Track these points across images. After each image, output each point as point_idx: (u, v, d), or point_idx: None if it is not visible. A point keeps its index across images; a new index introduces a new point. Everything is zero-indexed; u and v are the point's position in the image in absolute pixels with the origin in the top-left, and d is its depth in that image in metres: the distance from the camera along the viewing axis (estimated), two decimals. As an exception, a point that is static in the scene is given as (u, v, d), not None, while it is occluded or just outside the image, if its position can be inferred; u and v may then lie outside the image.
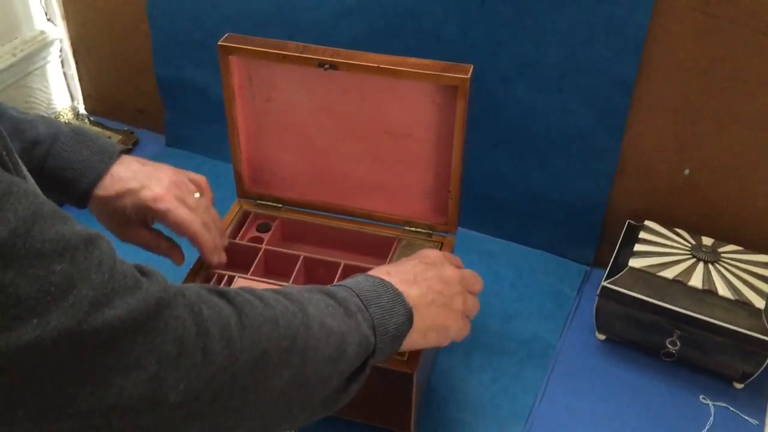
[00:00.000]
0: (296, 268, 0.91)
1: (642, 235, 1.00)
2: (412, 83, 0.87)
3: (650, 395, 0.95)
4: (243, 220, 1.01)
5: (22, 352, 0.40)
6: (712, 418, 0.92)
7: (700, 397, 0.95)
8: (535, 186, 1.12)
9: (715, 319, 0.91)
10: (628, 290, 0.94)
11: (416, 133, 0.92)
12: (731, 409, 0.93)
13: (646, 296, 0.93)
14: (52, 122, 0.80)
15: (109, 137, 1.37)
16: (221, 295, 0.54)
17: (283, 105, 0.95)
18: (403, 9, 1.05)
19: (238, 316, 0.53)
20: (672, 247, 0.98)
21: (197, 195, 0.84)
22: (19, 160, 0.49)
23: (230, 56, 0.90)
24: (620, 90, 0.99)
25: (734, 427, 0.91)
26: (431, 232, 0.98)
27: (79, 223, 0.46)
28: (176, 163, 1.31)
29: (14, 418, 0.42)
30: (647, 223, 1.02)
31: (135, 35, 1.31)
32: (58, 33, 1.37)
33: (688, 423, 0.92)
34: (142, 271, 0.48)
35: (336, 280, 0.89)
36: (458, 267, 0.79)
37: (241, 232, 0.98)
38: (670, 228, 1.02)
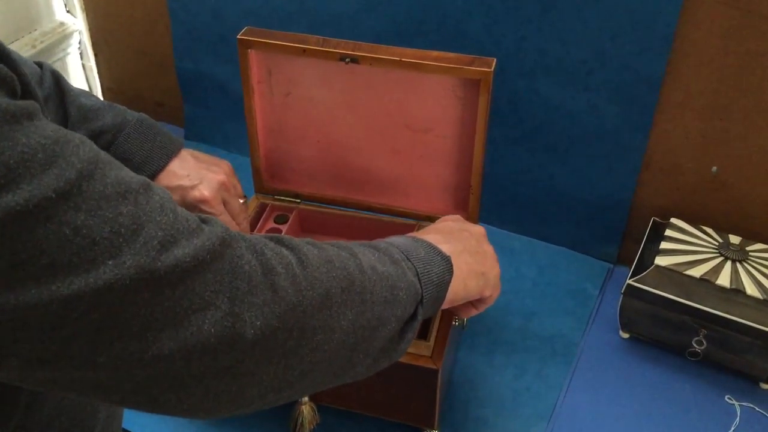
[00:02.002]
0: None
1: (668, 232, 0.99)
2: (435, 77, 0.86)
3: (675, 394, 0.94)
4: (261, 211, 1.00)
5: (102, 293, 0.40)
6: (737, 419, 0.91)
7: (726, 397, 0.93)
8: (559, 183, 1.11)
9: (743, 318, 0.89)
10: (654, 289, 0.93)
11: (438, 127, 0.91)
12: (757, 409, 0.92)
13: (672, 295, 0.92)
14: (119, 111, 0.81)
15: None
16: (278, 240, 0.55)
17: (303, 100, 0.94)
18: (427, 3, 1.03)
19: (297, 257, 0.53)
20: (699, 245, 0.97)
21: (242, 201, 0.86)
22: None
23: (249, 50, 0.90)
24: (647, 86, 0.97)
25: (761, 428, 0.90)
26: (453, 228, 0.97)
27: None
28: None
29: (97, 363, 0.42)
30: (673, 220, 1.01)
31: (155, 28, 1.30)
32: (77, 25, 1.37)
33: (713, 423, 0.90)
34: (202, 219, 0.49)
35: None
36: None
37: (259, 224, 0.98)
38: (696, 226, 1.00)
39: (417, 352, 0.81)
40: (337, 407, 0.89)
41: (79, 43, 1.40)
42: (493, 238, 1.14)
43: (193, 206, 0.80)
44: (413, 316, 0.62)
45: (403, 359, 0.80)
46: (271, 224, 0.99)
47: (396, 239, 0.67)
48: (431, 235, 0.71)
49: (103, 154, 0.44)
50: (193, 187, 0.81)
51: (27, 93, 0.44)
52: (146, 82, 1.40)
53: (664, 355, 0.98)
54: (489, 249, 0.76)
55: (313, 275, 0.52)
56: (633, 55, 0.95)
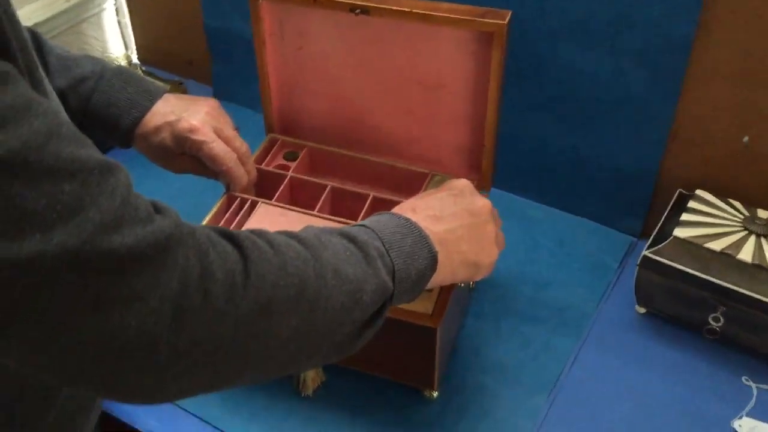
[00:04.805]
0: (322, 199, 0.89)
1: (691, 204, 0.94)
2: (447, 30, 0.83)
3: (688, 373, 0.90)
4: (270, 146, 0.99)
5: (24, 265, 0.39)
6: (753, 401, 0.86)
7: (743, 378, 0.89)
8: (582, 151, 1.06)
9: (765, 296, 0.84)
10: (671, 261, 0.89)
11: (450, 84, 0.88)
12: (776, 393, 0.87)
13: (690, 269, 0.88)
14: (98, 60, 0.82)
15: (158, 87, 1.37)
16: (231, 239, 0.52)
17: (315, 54, 0.92)
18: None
19: (244, 264, 0.51)
20: (723, 218, 0.92)
21: (235, 128, 0.86)
22: (45, 79, 0.50)
23: (260, 1, 0.88)
24: (677, 50, 0.92)
25: (777, 412, 0.85)
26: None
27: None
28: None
29: (11, 335, 0.42)
30: (698, 192, 0.96)
31: (186, -15, 1.30)
32: (112, -19, 1.38)
33: (726, 404, 0.86)
34: (157, 208, 0.48)
35: (363, 213, 0.87)
36: None
37: (267, 158, 0.97)
38: (723, 199, 0.95)
39: (418, 310, 0.79)
40: (341, 365, 0.87)
41: (115, 0, 1.41)
42: (512, 205, 1.13)
43: (183, 138, 0.80)
44: (378, 313, 0.61)
45: (404, 317, 0.79)
46: (280, 160, 0.97)
47: (388, 221, 0.65)
48: (427, 214, 0.68)
49: (66, 127, 0.43)
50: (179, 120, 0.80)
51: (6, 54, 0.44)
52: (177, 41, 1.40)
53: (680, 333, 0.94)
54: (490, 232, 0.71)
55: (255, 284, 0.51)
56: (662, 16, 0.90)
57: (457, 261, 0.68)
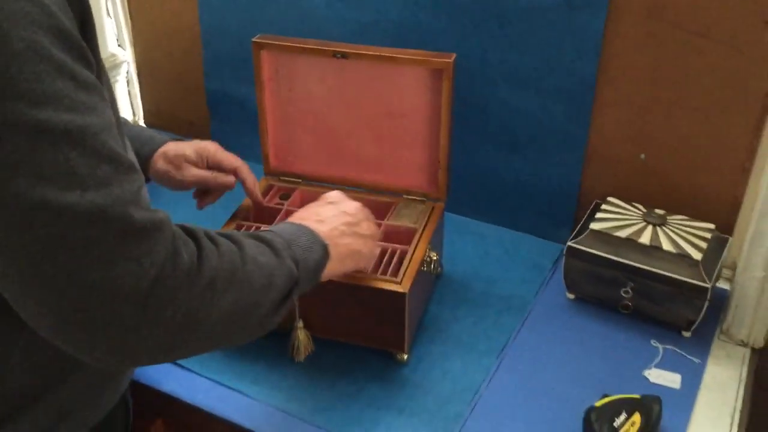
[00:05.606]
0: None
1: (603, 206, 1.18)
2: (408, 68, 1.09)
3: (609, 339, 1.11)
4: (268, 190, 1.22)
5: (64, 211, 0.56)
6: (659, 357, 1.08)
7: (652, 340, 1.10)
8: (520, 176, 1.31)
9: (660, 269, 1.07)
10: (589, 248, 1.12)
11: (412, 113, 1.13)
12: (678, 350, 1.08)
13: (603, 252, 1.11)
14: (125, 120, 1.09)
15: (164, 143, 1.60)
16: (191, 234, 0.69)
17: (304, 93, 1.17)
18: (409, 26, 1.27)
19: (198, 252, 0.67)
20: (627, 215, 1.16)
21: None
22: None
23: (262, 51, 1.13)
24: (585, 88, 1.19)
25: (678, 363, 1.06)
26: (425, 199, 1.17)
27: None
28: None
29: (42, 273, 0.56)
30: (609, 198, 1.20)
31: (190, 57, 1.56)
32: (126, 56, 1.64)
33: (637, 360, 1.07)
34: (156, 209, 0.66)
35: None
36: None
37: (266, 199, 1.19)
38: (627, 202, 1.19)
39: (390, 279, 1.00)
40: (323, 337, 1.07)
41: (127, 72, 1.66)
42: (466, 226, 1.36)
43: (203, 149, 1.07)
44: (288, 295, 0.77)
45: (378, 285, 0.99)
46: (276, 200, 1.20)
47: (285, 227, 0.82)
48: (313, 220, 0.86)
49: (115, 132, 0.62)
50: (197, 142, 1.08)
51: (99, 77, 0.65)
52: (180, 105, 1.64)
53: (601, 310, 1.16)
54: (365, 226, 0.91)
55: (205, 265, 0.66)
56: (572, 61, 1.18)
57: (344, 252, 0.87)
